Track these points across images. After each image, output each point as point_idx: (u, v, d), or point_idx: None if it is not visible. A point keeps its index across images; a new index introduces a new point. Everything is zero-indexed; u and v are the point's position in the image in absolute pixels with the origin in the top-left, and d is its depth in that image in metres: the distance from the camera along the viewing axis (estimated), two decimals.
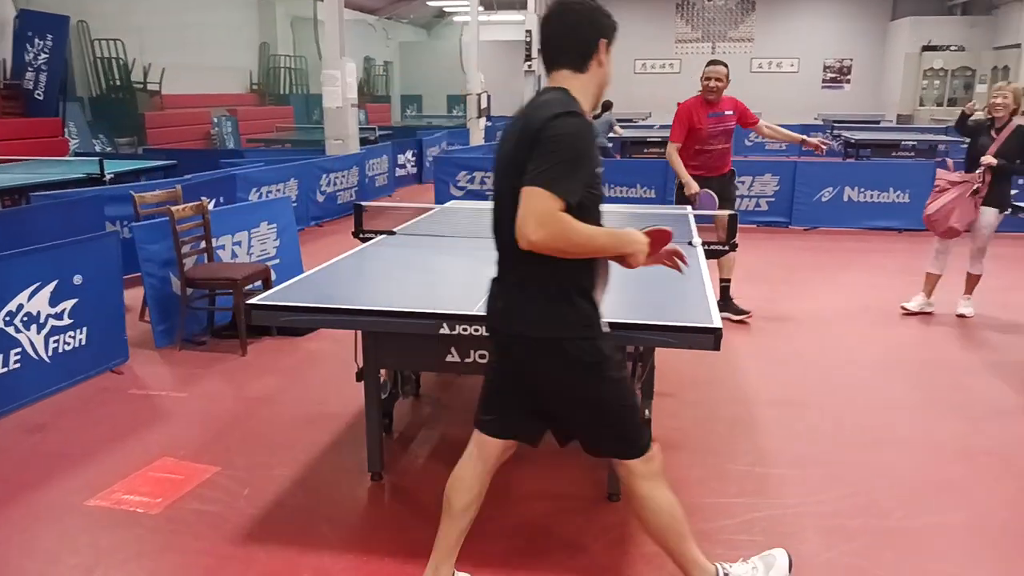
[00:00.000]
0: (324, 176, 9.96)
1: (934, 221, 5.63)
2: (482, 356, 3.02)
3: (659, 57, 26.45)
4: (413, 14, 25.55)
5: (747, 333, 5.57)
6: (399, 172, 13.34)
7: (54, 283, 4.31)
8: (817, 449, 3.69)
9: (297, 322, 3.07)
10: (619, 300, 3.00)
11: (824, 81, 27.62)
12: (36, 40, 11.34)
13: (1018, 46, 21.93)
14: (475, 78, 16.75)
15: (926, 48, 24.21)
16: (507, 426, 2.44)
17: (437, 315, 2.87)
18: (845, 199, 9.58)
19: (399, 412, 4.07)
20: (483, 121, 17.16)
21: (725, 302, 5.61)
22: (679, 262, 2.45)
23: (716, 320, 2.75)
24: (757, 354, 5.10)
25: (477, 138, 16.66)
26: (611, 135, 12.53)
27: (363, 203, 4.76)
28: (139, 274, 5.22)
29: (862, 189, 9.59)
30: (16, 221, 5.81)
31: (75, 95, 12.98)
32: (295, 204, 8.02)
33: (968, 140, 5.78)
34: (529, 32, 21.86)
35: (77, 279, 4.44)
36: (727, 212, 4.75)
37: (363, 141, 11.95)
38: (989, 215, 5.57)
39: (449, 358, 3.06)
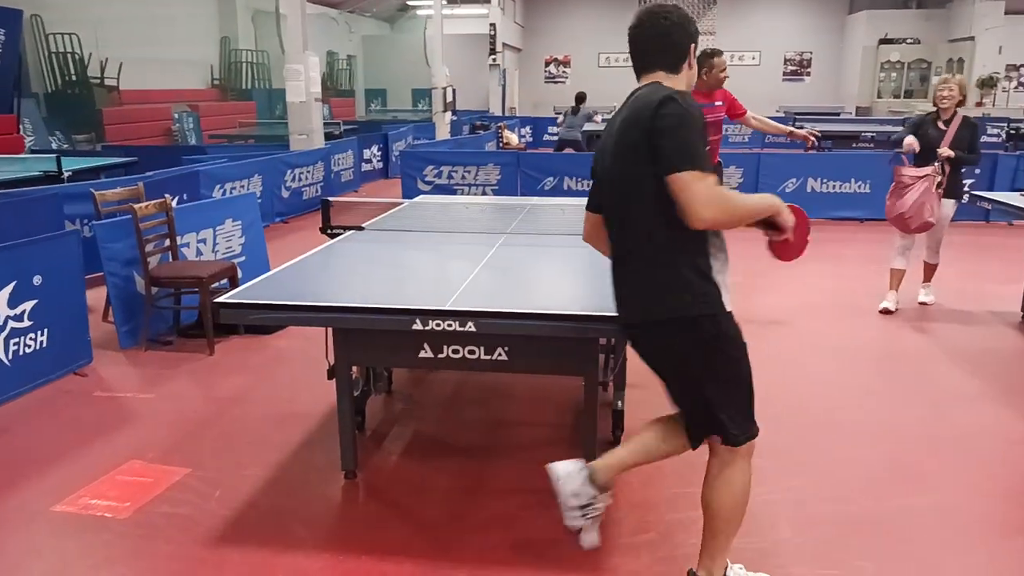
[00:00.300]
0: (289, 172, 9.85)
1: (908, 218, 5.48)
2: (455, 351, 3.01)
3: (623, 51, 26.34)
4: (376, 7, 25.34)
5: None
6: (365, 167, 13.24)
7: (12, 284, 4.20)
8: (785, 438, 3.74)
9: (267, 320, 3.03)
10: (589, 292, 3.01)
11: (785, 74, 28.06)
12: None
13: (972, 39, 22.46)
14: (440, 72, 16.66)
15: (883, 41, 24.69)
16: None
17: (410, 311, 2.85)
18: (808, 190, 9.73)
19: (371, 409, 4.04)
20: (449, 115, 17.08)
21: None
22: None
23: None
24: None
25: (443, 132, 16.57)
26: (584, 129, 12.60)
27: (330, 199, 4.72)
28: (102, 273, 5.11)
29: (824, 180, 9.77)
30: None
31: (30, 91, 12.65)
32: (260, 200, 7.92)
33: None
34: (493, 26, 21.89)
35: (37, 279, 4.34)
36: None
37: (328, 136, 11.83)
38: (948, 207, 5.65)
39: (422, 354, 3.05)
